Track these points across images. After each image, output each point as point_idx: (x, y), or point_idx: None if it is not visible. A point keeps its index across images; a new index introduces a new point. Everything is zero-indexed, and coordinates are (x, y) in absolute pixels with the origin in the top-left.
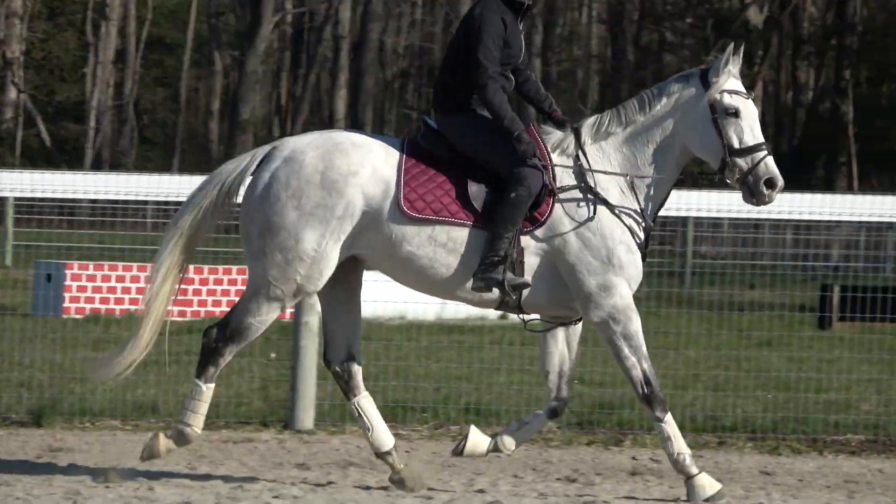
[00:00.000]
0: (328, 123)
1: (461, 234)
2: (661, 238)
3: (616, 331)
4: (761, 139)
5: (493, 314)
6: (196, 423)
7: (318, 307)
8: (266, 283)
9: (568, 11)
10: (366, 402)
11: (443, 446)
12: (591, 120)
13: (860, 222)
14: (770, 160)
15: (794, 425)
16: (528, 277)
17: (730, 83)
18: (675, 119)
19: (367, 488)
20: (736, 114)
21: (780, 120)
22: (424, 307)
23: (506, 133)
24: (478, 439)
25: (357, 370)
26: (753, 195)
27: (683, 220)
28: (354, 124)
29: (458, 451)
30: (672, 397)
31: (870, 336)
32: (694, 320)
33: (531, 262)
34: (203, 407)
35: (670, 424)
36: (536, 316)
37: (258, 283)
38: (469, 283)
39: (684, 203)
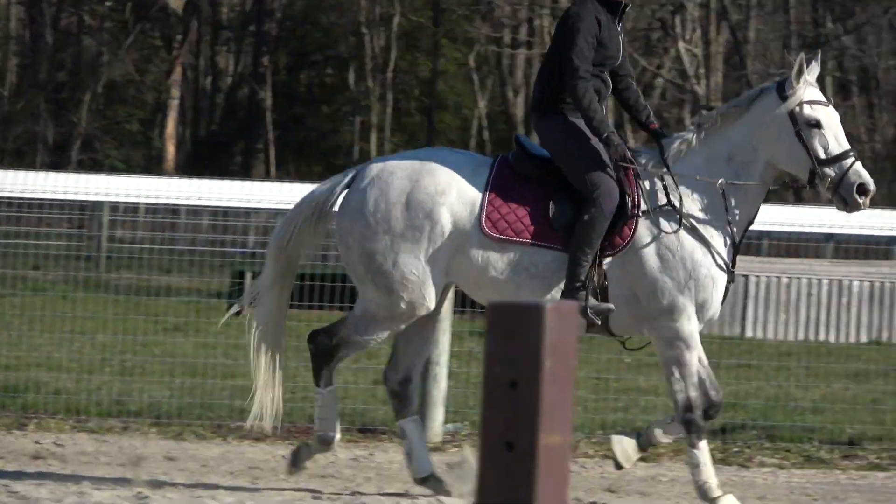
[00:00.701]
0: None
1: (543, 259)
2: (78, 222)
3: (672, 355)
4: (847, 146)
5: None
6: (331, 427)
7: None
8: (374, 308)
9: None
10: (411, 426)
11: None
12: (671, 138)
13: (277, 209)
14: (858, 166)
15: (200, 411)
16: (611, 303)
17: (807, 93)
18: (755, 134)
19: None
20: (818, 125)
21: (199, 105)
22: None
23: (591, 137)
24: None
25: (413, 393)
26: (847, 203)
27: (98, 204)
28: None
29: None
30: (79, 382)
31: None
32: (107, 305)
33: (614, 283)
34: (331, 410)
35: (703, 452)
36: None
37: (367, 306)
38: None
39: (103, 187)
